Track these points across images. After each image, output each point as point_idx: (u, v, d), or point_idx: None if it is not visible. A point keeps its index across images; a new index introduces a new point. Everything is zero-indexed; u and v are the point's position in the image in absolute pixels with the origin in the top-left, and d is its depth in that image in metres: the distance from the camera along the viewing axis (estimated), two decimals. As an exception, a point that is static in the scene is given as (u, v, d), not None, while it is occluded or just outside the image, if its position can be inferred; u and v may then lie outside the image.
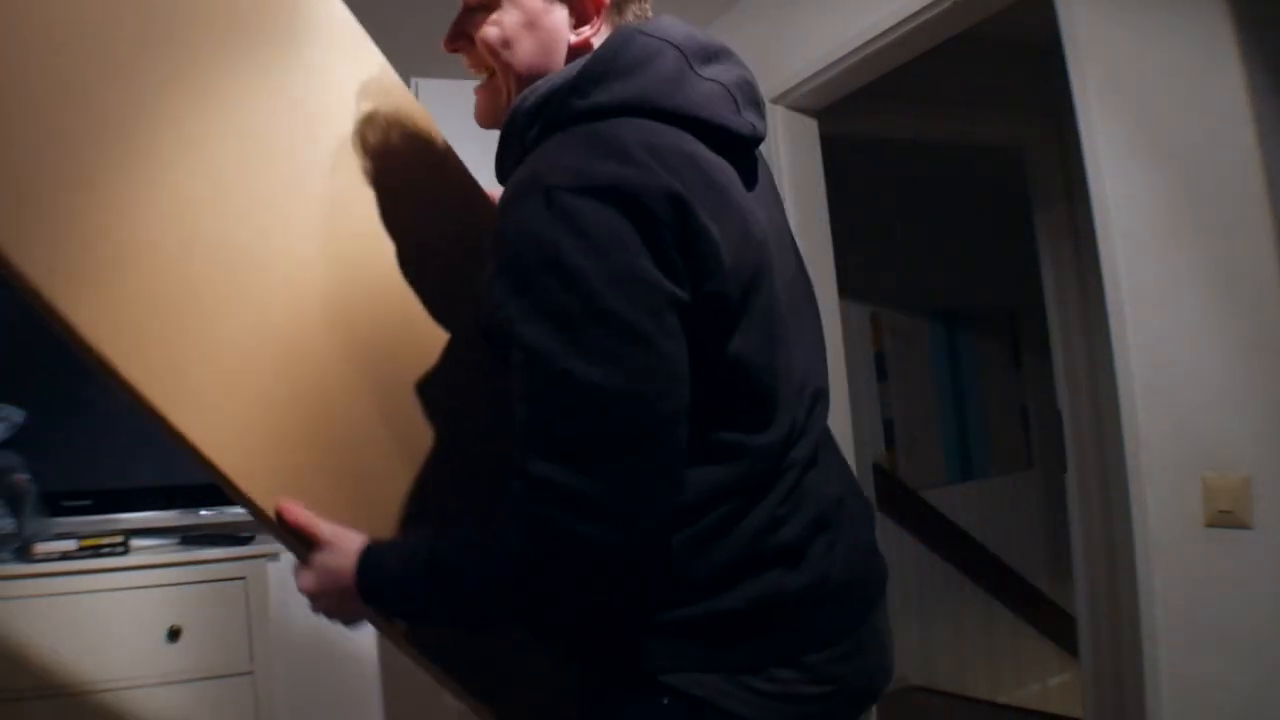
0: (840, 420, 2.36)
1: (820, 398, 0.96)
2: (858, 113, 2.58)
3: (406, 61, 2.29)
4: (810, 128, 2.43)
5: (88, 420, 2.28)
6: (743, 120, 0.89)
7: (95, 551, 2.07)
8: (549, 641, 0.95)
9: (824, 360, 1.00)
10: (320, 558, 0.90)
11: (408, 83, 2.10)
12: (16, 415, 2.09)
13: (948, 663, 3.72)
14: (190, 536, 2.32)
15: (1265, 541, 1.36)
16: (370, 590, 0.87)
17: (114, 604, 2.02)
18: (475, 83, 1.00)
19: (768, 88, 2.36)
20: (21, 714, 1.89)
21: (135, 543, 2.19)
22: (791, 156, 2.37)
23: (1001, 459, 4.08)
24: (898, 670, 3.88)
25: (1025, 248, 3.11)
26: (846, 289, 2.56)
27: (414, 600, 0.87)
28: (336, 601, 0.91)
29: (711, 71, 0.89)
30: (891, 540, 3.65)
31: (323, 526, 0.90)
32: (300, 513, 0.90)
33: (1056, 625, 3.85)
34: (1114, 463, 2.65)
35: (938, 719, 3.40)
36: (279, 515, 0.89)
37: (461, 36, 0.95)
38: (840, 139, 2.63)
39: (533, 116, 0.88)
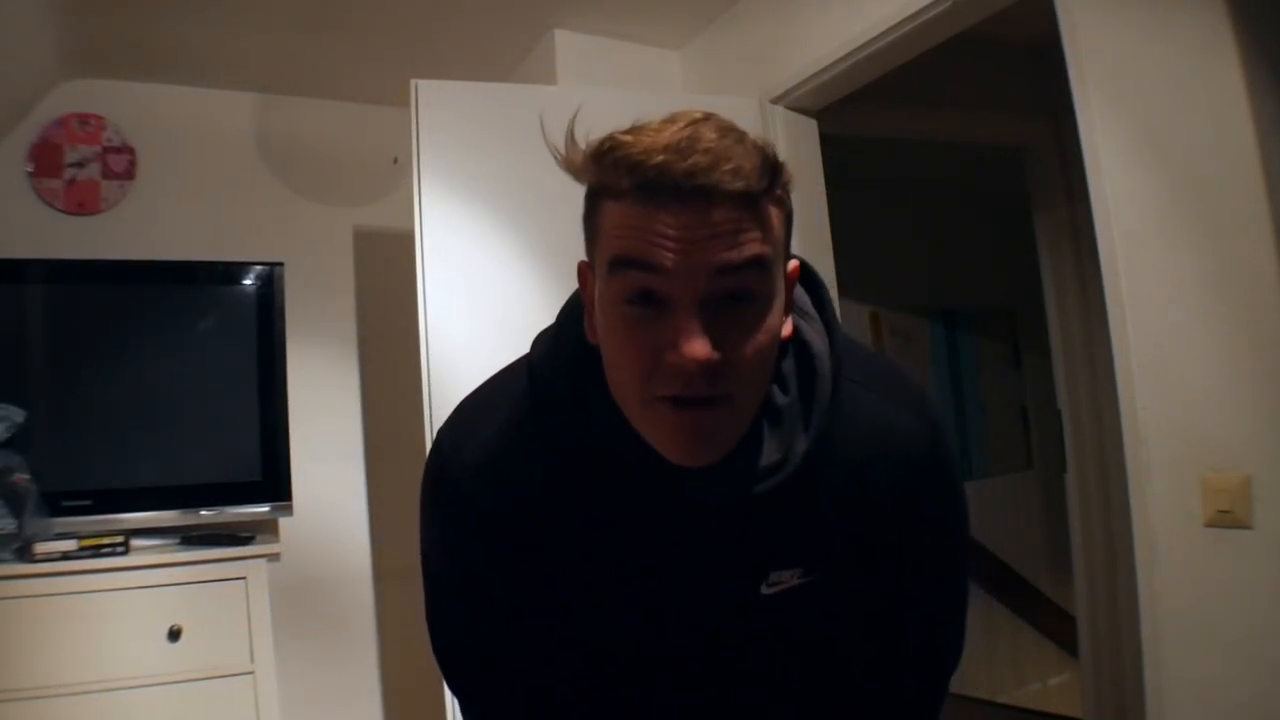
0: (840, 420, 2.35)
1: None
2: (858, 113, 2.57)
3: (406, 66, 2.29)
4: (810, 128, 2.43)
5: (88, 420, 2.28)
6: None
7: (95, 551, 2.07)
8: None
9: None
10: None
11: (407, 86, 2.10)
12: (17, 415, 2.09)
13: (948, 663, 3.71)
14: (190, 536, 2.32)
15: (1265, 541, 1.36)
16: None
17: (114, 604, 2.03)
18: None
19: (768, 88, 2.35)
20: (21, 714, 1.89)
21: (135, 543, 2.19)
22: (791, 156, 2.37)
23: (1001, 459, 4.07)
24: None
25: (1025, 248, 3.10)
26: (846, 289, 2.55)
27: None
28: None
29: None
30: (891, 540, 3.64)
31: None
32: None
33: (1056, 625, 3.84)
34: (1114, 463, 2.65)
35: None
36: None
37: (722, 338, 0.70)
38: (840, 139, 2.62)
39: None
